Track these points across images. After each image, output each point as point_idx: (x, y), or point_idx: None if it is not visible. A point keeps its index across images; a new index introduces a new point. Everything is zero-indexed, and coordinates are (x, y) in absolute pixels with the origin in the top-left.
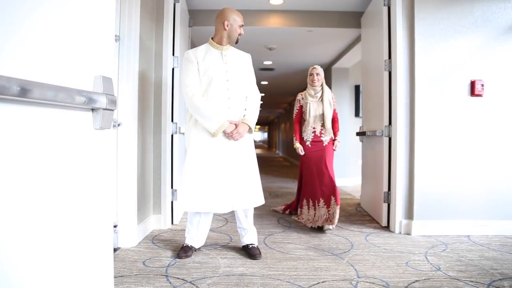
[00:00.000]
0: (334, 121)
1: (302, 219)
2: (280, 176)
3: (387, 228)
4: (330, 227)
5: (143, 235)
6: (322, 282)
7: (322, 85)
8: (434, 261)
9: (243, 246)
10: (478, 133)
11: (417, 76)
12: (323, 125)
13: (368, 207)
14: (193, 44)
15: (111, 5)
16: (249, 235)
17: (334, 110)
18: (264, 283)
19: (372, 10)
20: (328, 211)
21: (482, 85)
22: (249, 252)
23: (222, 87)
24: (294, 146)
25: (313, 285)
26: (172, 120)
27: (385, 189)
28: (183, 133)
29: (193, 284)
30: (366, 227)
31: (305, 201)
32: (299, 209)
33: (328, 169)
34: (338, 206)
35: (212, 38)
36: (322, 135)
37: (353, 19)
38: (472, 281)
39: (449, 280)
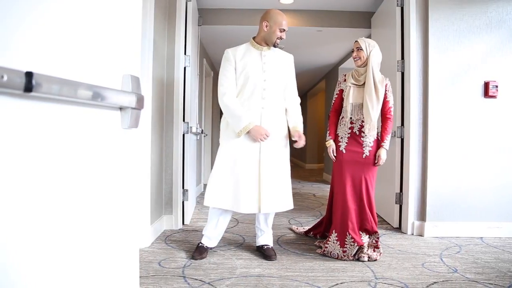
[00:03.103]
0: (385, 119)
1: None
2: None
3: (398, 229)
4: (366, 258)
5: (155, 236)
6: (341, 283)
7: (367, 64)
8: (450, 262)
9: (257, 246)
10: (491, 134)
11: (431, 77)
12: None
13: (379, 208)
14: (202, 44)
15: (138, 4)
16: (265, 236)
17: (387, 103)
18: (283, 284)
19: (384, 10)
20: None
21: (496, 86)
22: (264, 253)
23: (258, 87)
24: (326, 144)
25: (332, 286)
26: (183, 120)
27: (397, 190)
28: (194, 133)
29: (211, 285)
30: (378, 228)
31: (334, 233)
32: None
33: (369, 200)
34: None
35: (254, 38)
36: (362, 134)
37: (363, 19)
38: (491, 284)
39: (467, 282)
